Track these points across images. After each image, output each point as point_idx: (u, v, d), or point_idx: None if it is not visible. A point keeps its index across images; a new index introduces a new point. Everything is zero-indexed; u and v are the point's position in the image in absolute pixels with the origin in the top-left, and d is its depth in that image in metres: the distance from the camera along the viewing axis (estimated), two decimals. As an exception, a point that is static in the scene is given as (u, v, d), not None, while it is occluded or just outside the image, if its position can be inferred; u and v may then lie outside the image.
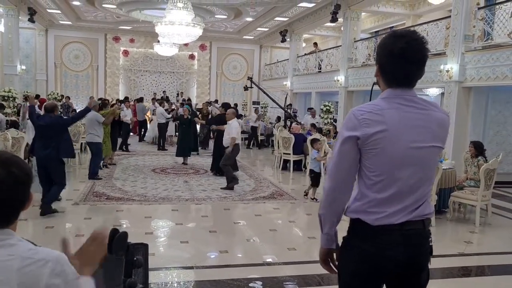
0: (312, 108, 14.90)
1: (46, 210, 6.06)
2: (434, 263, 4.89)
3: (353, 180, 1.88)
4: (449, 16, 9.78)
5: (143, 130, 16.41)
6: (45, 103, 7.17)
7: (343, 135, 1.84)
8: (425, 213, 1.88)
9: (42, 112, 7.22)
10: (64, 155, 6.42)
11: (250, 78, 14.69)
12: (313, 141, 8.15)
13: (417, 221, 1.85)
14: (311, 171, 7.83)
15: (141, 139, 16.06)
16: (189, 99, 19.34)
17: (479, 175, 6.53)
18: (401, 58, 1.77)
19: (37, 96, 18.20)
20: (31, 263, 1.16)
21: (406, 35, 1.79)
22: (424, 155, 1.83)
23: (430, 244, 1.92)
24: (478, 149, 7.13)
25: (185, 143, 10.93)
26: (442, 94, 11.49)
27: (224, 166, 8.35)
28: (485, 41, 8.94)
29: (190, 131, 11.18)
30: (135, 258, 1.15)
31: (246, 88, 15.03)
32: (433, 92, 13.59)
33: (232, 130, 8.25)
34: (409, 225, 1.82)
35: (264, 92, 15.81)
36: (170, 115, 14.03)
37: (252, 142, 15.60)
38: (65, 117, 6.43)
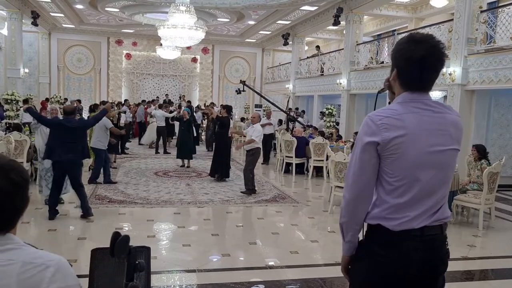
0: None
1: (89, 212, 6.16)
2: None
3: (373, 187, 1.85)
4: (452, 19, 9.77)
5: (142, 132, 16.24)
6: (64, 106, 6.99)
7: (362, 141, 1.79)
8: (444, 216, 1.86)
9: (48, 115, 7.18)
10: (85, 157, 6.51)
11: (242, 82, 14.66)
12: None
13: (435, 226, 1.83)
14: None
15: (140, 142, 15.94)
16: (189, 101, 19.35)
17: (482, 178, 6.51)
18: (421, 64, 1.76)
19: (47, 100, 18.35)
20: (32, 267, 1.15)
21: (426, 41, 1.78)
22: (444, 158, 1.82)
23: (447, 247, 1.91)
24: (481, 152, 7.11)
25: (186, 146, 10.92)
26: (445, 97, 11.46)
27: (247, 171, 8.28)
28: (487, 44, 8.93)
29: (191, 134, 11.18)
30: (137, 262, 1.14)
31: (239, 92, 14.97)
32: (435, 95, 13.56)
33: (254, 133, 8.21)
34: (428, 230, 1.80)
35: (259, 94, 15.81)
36: (174, 114, 13.87)
37: None
38: (86, 120, 6.43)
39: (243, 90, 14.53)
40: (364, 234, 1.92)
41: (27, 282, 1.13)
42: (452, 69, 9.10)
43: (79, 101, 18.45)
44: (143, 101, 18.85)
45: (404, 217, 1.78)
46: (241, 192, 8.28)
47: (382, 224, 1.81)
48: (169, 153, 13.39)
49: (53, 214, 6.09)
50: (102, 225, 6.07)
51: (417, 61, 1.76)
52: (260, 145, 8.43)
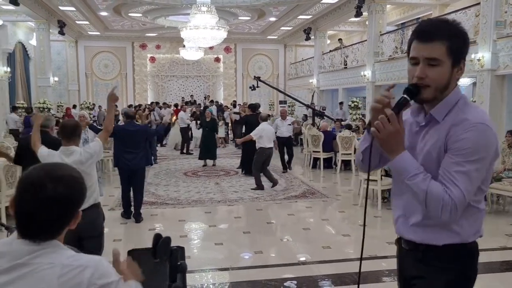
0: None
1: (139, 217, 6.37)
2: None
3: None
4: (479, 3, 9.49)
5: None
6: (126, 111, 7.08)
7: (495, 153, 1.61)
8: None
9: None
10: (148, 163, 7.04)
11: (257, 78, 14.53)
12: None
13: None
14: None
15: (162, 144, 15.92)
16: (211, 101, 19.44)
17: (517, 166, 6.32)
18: None
19: (74, 106, 18.88)
20: (71, 269, 1.18)
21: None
22: None
23: None
24: (515, 138, 6.90)
25: (208, 146, 11.03)
26: (474, 84, 11.18)
27: (254, 171, 8.53)
28: (518, 26, 8.64)
29: (213, 134, 11.27)
30: (179, 263, 1.17)
31: (253, 88, 14.83)
32: (464, 82, 13.22)
33: (253, 131, 8.52)
34: None
35: (276, 89, 15.69)
36: (188, 122, 13.97)
37: None
38: (148, 127, 7.08)
39: (258, 86, 14.43)
40: (450, 256, 1.69)
41: (67, 284, 1.17)
42: (481, 55, 8.85)
43: (100, 107, 18.78)
44: (154, 103, 18.85)
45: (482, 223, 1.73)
46: (251, 188, 8.45)
47: (476, 240, 1.70)
48: (192, 153, 13.57)
49: (128, 214, 6.43)
50: (136, 226, 6.20)
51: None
52: (265, 145, 8.43)
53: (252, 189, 8.38)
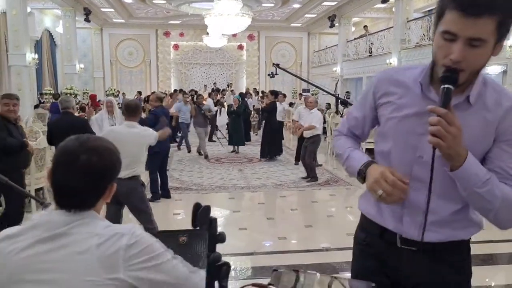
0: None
1: (169, 193, 6.90)
2: (501, 249, 4.66)
3: None
4: (511, -12, 9.19)
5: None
6: (158, 95, 7.31)
7: None
8: None
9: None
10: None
11: (275, 65, 14.34)
12: None
13: None
14: None
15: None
16: (232, 90, 19.45)
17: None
18: None
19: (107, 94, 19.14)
20: (108, 238, 1.21)
21: None
22: None
23: None
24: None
25: (236, 133, 11.07)
26: (504, 72, 10.86)
27: (311, 162, 8.13)
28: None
29: (241, 121, 11.29)
30: (218, 233, 1.19)
31: (272, 75, 14.63)
32: (494, 70, 12.87)
33: (314, 119, 7.99)
34: None
35: (296, 76, 15.53)
36: (216, 108, 13.98)
37: None
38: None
39: (276, 73, 14.28)
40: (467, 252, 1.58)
41: (106, 251, 1.19)
42: (513, 41, 8.59)
43: (140, 92, 18.97)
44: (176, 90, 18.90)
45: None
46: (305, 180, 8.04)
47: None
48: (215, 141, 13.59)
49: (157, 197, 6.66)
50: (160, 211, 6.26)
51: None
52: (321, 132, 8.21)
53: (307, 181, 7.97)
